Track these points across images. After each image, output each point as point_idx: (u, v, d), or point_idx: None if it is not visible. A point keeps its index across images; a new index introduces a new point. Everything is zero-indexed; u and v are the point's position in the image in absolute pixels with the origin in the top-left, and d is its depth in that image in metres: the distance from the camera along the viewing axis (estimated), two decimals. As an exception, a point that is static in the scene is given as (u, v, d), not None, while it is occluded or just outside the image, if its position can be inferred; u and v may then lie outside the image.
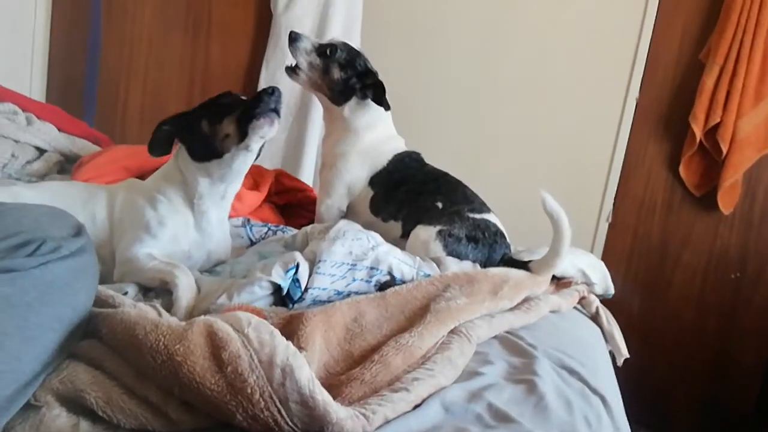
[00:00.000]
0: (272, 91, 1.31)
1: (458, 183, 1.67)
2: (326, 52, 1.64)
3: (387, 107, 1.70)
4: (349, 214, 1.70)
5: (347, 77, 1.65)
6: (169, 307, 1.17)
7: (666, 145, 2.77)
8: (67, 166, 2.11)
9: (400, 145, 1.74)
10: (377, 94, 1.67)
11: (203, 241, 1.41)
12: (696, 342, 2.82)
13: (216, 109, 1.34)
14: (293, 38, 1.65)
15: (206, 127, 1.34)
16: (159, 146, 1.37)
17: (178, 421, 0.81)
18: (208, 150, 1.35)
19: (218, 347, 0.82)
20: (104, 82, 2.92)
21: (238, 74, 2.93)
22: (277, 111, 1.31)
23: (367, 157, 1.68)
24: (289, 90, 2.73)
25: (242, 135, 1.31)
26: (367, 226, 1.50)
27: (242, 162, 1.38)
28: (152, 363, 0.81)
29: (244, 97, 1.38)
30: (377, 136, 1.71)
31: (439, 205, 1.58)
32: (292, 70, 1.68)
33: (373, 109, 1.70)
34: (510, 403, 0.94)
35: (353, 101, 1.68)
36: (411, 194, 1.63)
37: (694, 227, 2.78)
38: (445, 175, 1.69)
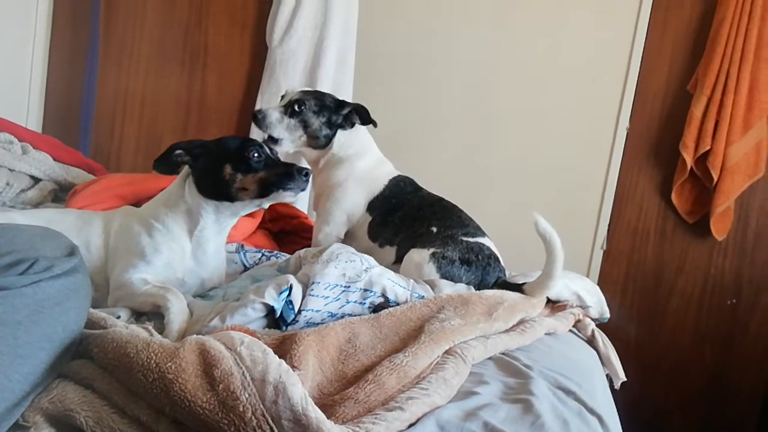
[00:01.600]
0: (306, 174, 1.36)
1: (453, 207, 1.68)
2: (295, 108, 1.65)
3: (375, 124, 1.72)
4: (348, 241, 1.70)
5: (327, 119, 1.68)
6: (162, 330, 1.17)
7: (657, 172, 2.80)
8: (61, 194, 2.11)
9: (392, 169, 1.77)
10: (363, 116, 1.70)
11: (198, 269, 1.41)
12: (693, 369, 2.80)
13: (244, 160, 1.35)
14: (258, 118, 1.65)
15: (228, 172, 1.35)
16: (166, 165, 1.38)
17: (169, 441, 0.80)
18: (220, 192, 1.37)
19: (210, 365, 0.82)
20: (100, 112, 2.94)
21: (234, 106, 2.96)
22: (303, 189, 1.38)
23: (364, 183, 1.70)
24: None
25: (261, 194, 1.36)
26: (365, 252, 1.50)
27: (249, 210, 1.45)
28: (143, 381, 0.80)
29: (270, 151, 1.40)
30: (369, 161, 1.73)
31: (434, 229, 1.59)
32: (274, 141, 1.66)
33: (359, 136, 1.73)
34: (506, 422, 0.93)
35: (339, 135, 1.70)
36: (407, 219, 1.64)
37: (688, 254, 2.78)
38: (441, 200, 1.70)
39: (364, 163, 1.71)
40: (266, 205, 1.41)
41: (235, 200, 1.37)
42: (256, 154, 1.36)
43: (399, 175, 1.75)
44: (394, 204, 1.67)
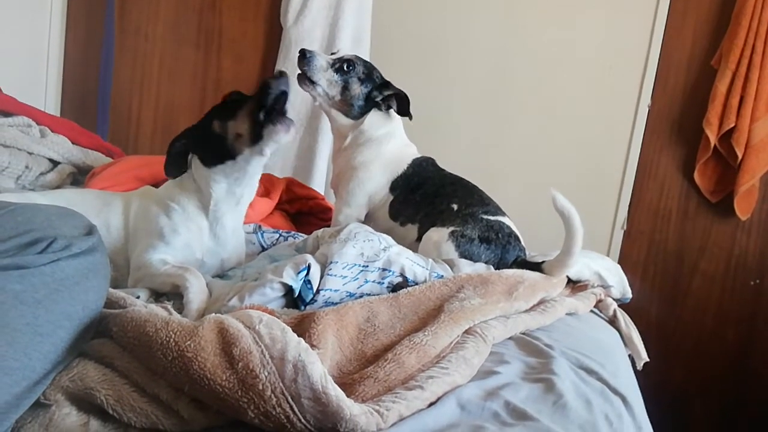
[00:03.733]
0: (280, 73, 1.27)
1: (474, 187, 1.67)
2: (343, 67, 1.61)
3: (411, 117, 1.69)
4: (367, 222, 1.68)
5: (368, 91, 1.65)
6: (181, 310, 1.17)
7: (680, 151, 2.74)
8: (79, 177, 2.12)
9: (415, 151, 1.75)
10: (402, 105, 1.67)
11: (217, 249, 1.41)
12: (715, 350, 2.77)
13: (227, 108, 1.32)
14: (306, 56, 1.60)
15: (218, 126, 1.33)
16: (175, 165, 1.37)
17: (189, 420, 0.80)
18: (220, 151, 1.33)
19: (229, 343, 0.81)
20: (117, 97, 2.95)
21: (250, 87, 2.90)
22: (285, 111, 1.28)
23: (389, 165, 1.68)
24: (300, 100, 2.74)
25: (256, 137, 1.29)
26: (386, 232, 1.50)
27: (256, 164, 1.36)
28: (163, 360, 0.80)
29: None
30: (396, 143, 1.71)
31: (454, 207, 1.57)
32: (310, 82, 1.61)
33: (392, 118, 1.70)
34: (528, 401, 0.92)
35: (373, 113, 1.67)
36: (428, 197, 1.62)
37: (710, 234, 2.73)
38: (461, 179, 1.69)
39: (391, 146, 1.69)
40: (268, 152, 1.31)
41: (236, 154, 1.31)
42: (235, 97, 1.33)
43: (422, 156, 1.73)
44: (416, 182, 1.66)
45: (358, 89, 1.63)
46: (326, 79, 1.61)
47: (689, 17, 2.68)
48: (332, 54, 1.69)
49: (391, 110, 1.69)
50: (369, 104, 1.66)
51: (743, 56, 2.52)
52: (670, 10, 2.67)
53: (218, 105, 1.36)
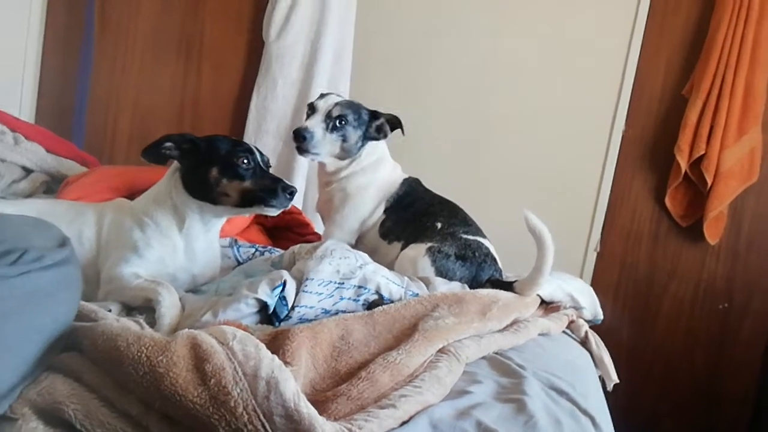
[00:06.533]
0: (291, 193, 1.35)
1: (459, 208, 1.70)
2: (337, 124, 1.61)
3: (403, 132, 1.70)
4: (356, 242, 1.69)
5: (363, 132, 1.66)
6: (153, 324, 1.15)
7: (652, 176, 2.80)
8: (53, 186, 2.09)
9: (401, 171, 1.77)
10: (395, 127, 1.69)
11: (189, 266, 1.40)
12: (684, 372, 2.81)
13: (232, 166, 1.34)
14: (305, 137, 1.57)
15: (214, 175, 1.34)
16: (155, 156, 1.36)
17: (159, 436, 0.79)
18: (204, 193, 1.36)
19: (202, 359, 0.81)
20: (94, 105, 2.91)
21: (229, 100, 2.94)
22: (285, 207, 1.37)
23: (383, 188, 1.69)
24: (278, 115, 2.75)
25: (243, 204, 1.35)
26: (372, 250, 1.53)
27: (232, 215, 1.45)
28: (134, 375, 0.79)
29: (262, 162, 1.38)
30: (388, 167, 1.73)
31: (438, 225, 1.60)
32: (313, 154, 1.62)
33: (381, 143, 1.72)
34: (499, 421, 0.93)
35: (368, 145, 1.68)
36: (417, 214, 1.65)
37: (680, 258, 2.79)
38: (449, 201, 1.72)
39: (384, 171, 1.71)
40: (248, 215, 1.39)
41: (217, 204, 1.36)
42: (245, 161, 1.34)
43: (409, 177, 1.75)
44: (408, 201, 1.68)
45: (355, 136, 1.65)
46: (328, 145, 1.62)
47: (663, 47, 2.75)
48: (310, 106, 1.66)
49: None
50: (365, 141, 1.68)
51: (713, 86, 2.60)
52: (644, 40, 2.74)
53: (226, 151, 1.35)
